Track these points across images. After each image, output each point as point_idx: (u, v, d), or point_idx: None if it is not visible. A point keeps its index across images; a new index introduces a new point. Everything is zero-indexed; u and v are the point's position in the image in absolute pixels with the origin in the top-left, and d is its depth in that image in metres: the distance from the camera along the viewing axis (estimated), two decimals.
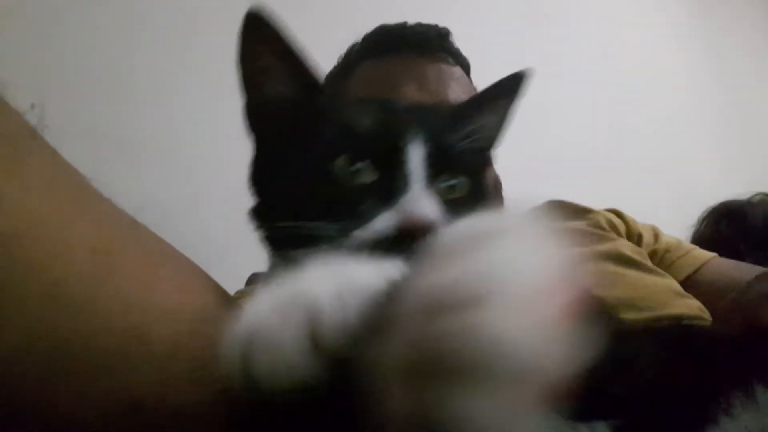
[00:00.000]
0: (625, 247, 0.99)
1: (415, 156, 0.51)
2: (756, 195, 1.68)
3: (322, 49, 0.98)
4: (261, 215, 0.58)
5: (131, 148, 0.97)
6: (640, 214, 1.16)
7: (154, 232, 0.54)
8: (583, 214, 1.10)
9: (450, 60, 1.03)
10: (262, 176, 0.59)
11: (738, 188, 1.69)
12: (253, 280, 0.96)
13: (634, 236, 1.09)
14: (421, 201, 0.49)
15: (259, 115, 0.59)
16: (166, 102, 1.25)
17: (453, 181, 0.54)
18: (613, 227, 1.08)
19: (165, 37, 1.29)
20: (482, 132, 0.60)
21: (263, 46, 0.55)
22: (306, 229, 0.47)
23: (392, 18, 1.09)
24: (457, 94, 0.96)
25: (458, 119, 0.58)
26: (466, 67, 1.08)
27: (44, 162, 0.45)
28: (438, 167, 0.53)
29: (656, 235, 1.12)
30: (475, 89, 1.02)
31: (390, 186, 0.50)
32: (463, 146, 0.55)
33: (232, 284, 0.63)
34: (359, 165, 0.51)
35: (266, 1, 0.54)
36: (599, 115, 2.33)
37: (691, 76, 2.96)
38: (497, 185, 1.04)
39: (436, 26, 1.06)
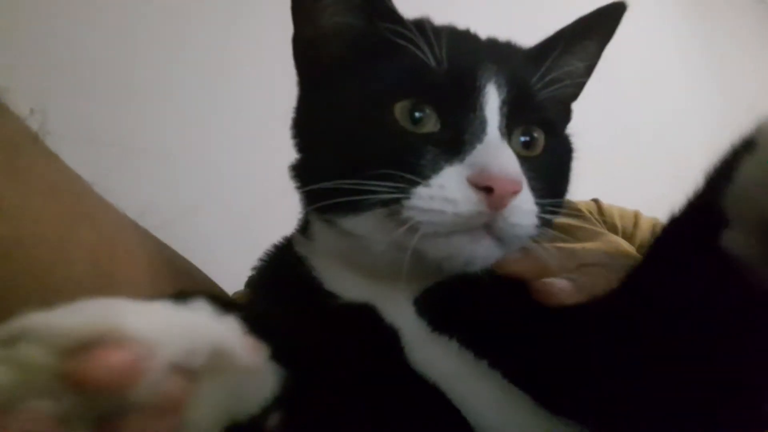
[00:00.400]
0: (621, 240, 0.98)
1: (492, 99, 0.42)
2: None
3: None
4: (304, 173, 0.49)
5: (132, 154, 0.97)
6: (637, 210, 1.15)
7: (155, 237, 0.55)
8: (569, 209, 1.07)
9: None
10: (307, 125, 0.50)
11: None
12: (252, 282, 0.96)
13: (609, 226, 1.07)
14: (499, 151, 0.40)
15: (313, 49, 0.49)
16: (167, 107, 1.25)
17: (529, 136, 0.45)
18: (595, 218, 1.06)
19: (166, 43, 1.29)
20: (566, 79, 0.49)
21: None
22: (358, 190, 0.39)
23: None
24: None
25: (541, 61, 0.47)
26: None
27: (46, 167, 0.45)
28: (516, 117, 0.43)
29: (636, 221, 1.09)
30: None
31: (459, 134, 0.41)
32: (546, 94, 0.45)
33: (231, 287, 0.63)
34: (425, 110, 0.42)
35: None
36: (598, 114, 2.33)
37: (690, 77, 2.97)
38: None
39: (415, 19, 1.04)
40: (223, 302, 0.29)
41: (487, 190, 0.37)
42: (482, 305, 0.41)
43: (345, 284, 0.45)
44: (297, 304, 0.46)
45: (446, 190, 0.38)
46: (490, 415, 0.39)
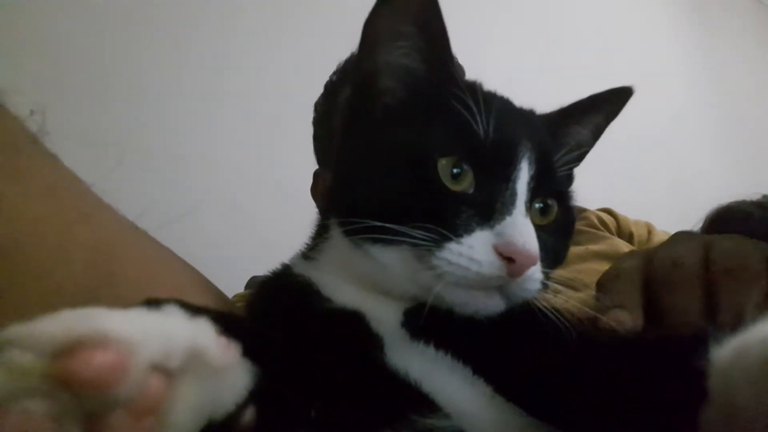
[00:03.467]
0: (623, 245, 0.99)
1: (524, 175, 0.47)
2: (753, 197, 1.67)
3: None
4: (342, 201, 0.52)
5: (132, 155, 0.97)
6: (639, 216, 1.16)
7: (154, 238, 0.55)
8: (576, 214, 1.09)
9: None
10: (353, 157, 0.52)
11: (737, 190, 1.69)
12: (252, 283, 0.97)
13: (626, 234, 1.09)
14: (525, 229, 0.44)
15: (366, 81, 0.51)
16: (167, 108, 1.26)
17: (545, 204, 0.50)
18: (605, 225, 1.08)
19: (166, 44, 1.30)
20: (575, 147, 0.54)
21: (409, 10, 0.49)
22: (392, 232, 0.43)
23: None
24: None
25: (557, 130, 0.53)
26: (460, 71, 1.09)
27: (45, 168, 0.45)
28: (538, 190, 0.48)
29: (650, 232, 1.12)
30: None
31: (491, 201, 0.45)
32: (563, 171, 0.51)
33: (231, 288, 0.63)
34: (464, 167, 0.46)
35: None
36: None
37: (690, 80, 2.97)
38: None
39: None
40: (193, 307, 0.31)
41: (509, 260, 0.43)
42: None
43: (340, 292, 0.49)
44: (287, 305, 0.49)
45: (474, 252, 0.43)
46: (471, 414, 0.42)
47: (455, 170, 0.45)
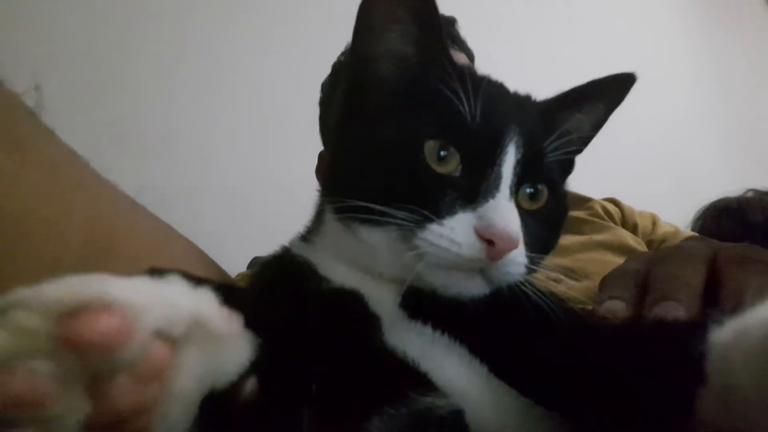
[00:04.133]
0: (628, 236, 0.99)
1: (509, 159, 0.47)
2: (748, 191, 1.69)
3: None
4: (335, 183, 0.54)
5: (129, 132, 0.97)
6: (640, 208, 1.16)
7: (153, 214, 0.54)
8: (581, 203, 1.10)
9: (455, 47, 1.03)
10: (346, 139, 0.54)
11: (736, 184, 1.70)
12: (254, 263, 0.97)
13: (630, 225, 1.09)
14: (506, 212, 0.45)
15: (361, 66, 0.53)
16: (165, 87, 1.25)
17: (535, 189, 0.50)
18: (610, 216, 1.08)
19: (165, 23, 1.28)
20: (573, 134, 0.54)
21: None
22: (379, 213, 0.45)
23: None
24: None
25: (552, 116, 0.53)
26: (470, 56, 1.08)
27: (42, 142, 0.45)
28: (526, 173, 0.48)
29: (654, 223, 1.12)
30: None
31: (475, 184, 0.46)
32: (554, 156, 0.51)
33: (230, 267, 0.63)
34: (450, 150, 0.47)
35: None
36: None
37: (693, 74, 2.96)
38: None
39: (442, 14, 1.05)
40: (196, 278, 0.31)
41: (489, 242, 0.43)
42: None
43: (338, 272, 0.49)
44: (287, 284, 0.50)
45: (455, 233, 0.44)
46: (468, 393, 0.43)
47: (442, 153, 0.46)
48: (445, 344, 0.44)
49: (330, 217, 0.52)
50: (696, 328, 0.31)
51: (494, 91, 0.53)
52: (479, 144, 0.47)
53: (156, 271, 0.30)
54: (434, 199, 0.45)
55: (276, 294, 0.49)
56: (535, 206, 0.50)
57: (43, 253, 0.40)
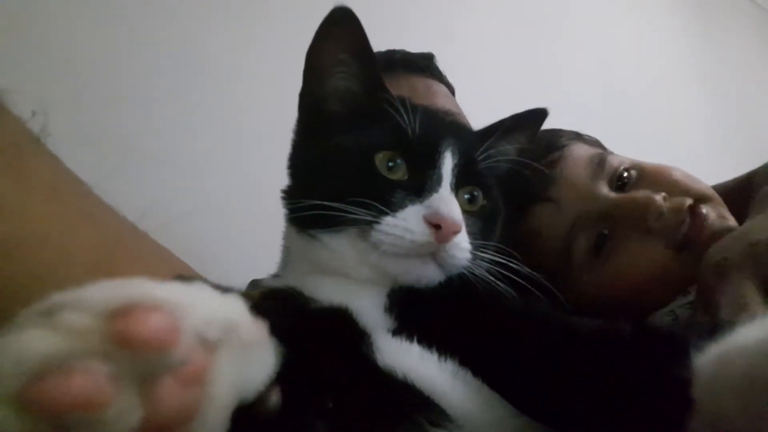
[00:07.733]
0: None
1: (447, 162, 0.56)
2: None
3: None
4: (295, 194, 0.60)
5: (133, 156, 0.97)
6: None
7: (154, 240, 0.55)
8: None
9: (435, 79, 1.07)
10: (303, 161, 0.62)
11: (731, 172, 1.71)
12: (254, 286, 0.96)
13: None
14: (449, 202, 0.52)
15: (318, 102, 0.61)
16: (167, 111, 1.26)
17: (471, 195, 0.59)
18: None
19: (167, 47, 1.30)
20: (499, 156, 0.63)
21: (342, 42, 0.58)
22: (341, 210, 0.50)
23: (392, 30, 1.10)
24: (445, 105, 0.97)
25: (482, 140, 0.62)
26: (450, 89, 1.11)
27: (47, 169, 0.46)
28: (463, 178, 0.57)
29: None
30: (460, 110, 1.03)
31: (421, 184, 0.54)
32: (484, 165, 0.60)
33: None
34: (398, 161, 0.55)
35: None
36: (597, 107, 2.33)
37: (691, 81, 2.99)
38: None
39: (421, 52, 1.10)
40: (220, 286, 0.32)
41: (436, 227, 0.50)
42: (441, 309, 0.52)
43: (321, 289, 0.53)
44: (281, 307, 0.50)
45: (407, 222, 0.51)
46: (460, 405, 0.44)
47: (390, 163, 0.55)
48: (434, 361, 0.46)
49: (293, 236, 0.59)
50: (682, 347, 0.33)
51: (431, 113, 0.63)
52: (421, 150, 0.56)
53: (183, 278, 0.30)
54: (387, 198, 0.52)
55: (273, 316, 0.49)
56: (473, 208, 0.59)
57: (48, 280, 0.40)
